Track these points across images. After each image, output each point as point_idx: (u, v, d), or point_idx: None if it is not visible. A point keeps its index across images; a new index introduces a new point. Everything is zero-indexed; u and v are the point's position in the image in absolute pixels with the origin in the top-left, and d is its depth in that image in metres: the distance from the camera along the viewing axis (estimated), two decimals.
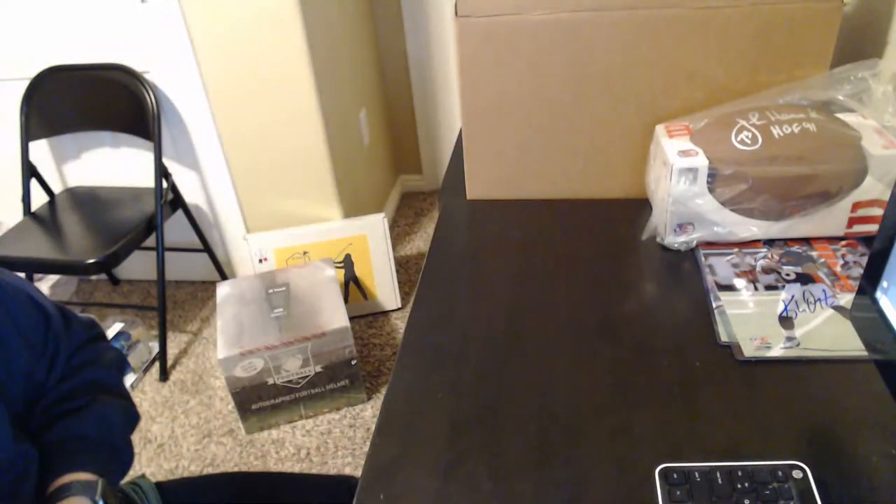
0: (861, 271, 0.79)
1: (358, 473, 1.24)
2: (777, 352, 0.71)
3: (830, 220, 0.85)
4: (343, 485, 0.98)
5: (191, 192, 2.10)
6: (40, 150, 2.05)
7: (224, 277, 2.23)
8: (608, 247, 0.92)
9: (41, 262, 1.78)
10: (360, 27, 2.22)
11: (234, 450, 1.69)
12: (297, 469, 1.63)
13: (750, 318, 0.76)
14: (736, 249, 0.87)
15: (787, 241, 0.87)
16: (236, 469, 1.64)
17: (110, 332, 1.94)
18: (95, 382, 0.76)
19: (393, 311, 2.11)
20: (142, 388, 1.93)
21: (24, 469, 0.64)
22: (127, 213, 1.90)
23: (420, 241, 2.45)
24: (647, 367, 0.71)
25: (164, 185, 1.91)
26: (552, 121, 0.96)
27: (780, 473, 0.57)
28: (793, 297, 0.78)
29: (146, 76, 1.83)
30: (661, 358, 0.72)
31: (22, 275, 2.07)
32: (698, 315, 0.78)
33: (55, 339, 0.73)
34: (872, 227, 0.85)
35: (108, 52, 1.84)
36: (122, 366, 0.80)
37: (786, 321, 0.75)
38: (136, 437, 1.71)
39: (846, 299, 0.77)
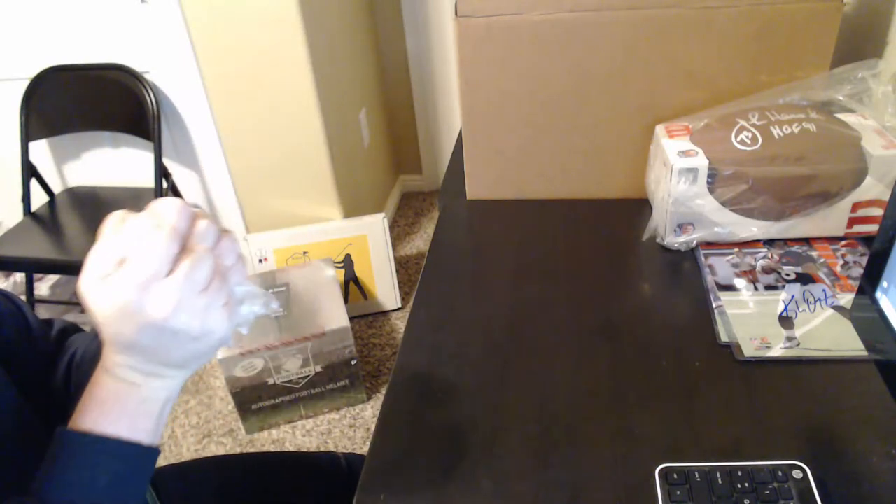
0: (861, 271, 0.79)
1: None
2: (777, 352, 0.71)
3: (830, 220, 0.85)
4: (331, 460, 0.96)
5: (191, 192, 2.10)
6: (40, 150, 2.05)
7: None
8: (608, 247, 0.92)
9: (41, 262, 1.78)
10: (360, 27, 2.22)
11: (233, 450, 1.69)
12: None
13: (750, 318, 0.76)
14: (736, 249, 0.87)
15: (787, 241, 0.87)
16: None
17: None
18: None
19: (393, 311, 2.11)
20: None
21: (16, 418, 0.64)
22: None
23: (420, 241, 2.44)
24: (647, 367, 0.71)
25: (164, 185, 1.90)
26: (552, 121, 0.96)
27: (780, 473, 0.57)
28: (793, 297, 0.78)
29: (146, 76, 1.83)
30: (661, 358, 0.72)
31: (22, 275, 2.09)
32: (698, 315, 0.78)
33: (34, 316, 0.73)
34: (872, 227, 0.85)
35: (108, 52, 1.84)
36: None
37: (786, 321, 0.75)
38: None
39: (846, 299, 0.77)
